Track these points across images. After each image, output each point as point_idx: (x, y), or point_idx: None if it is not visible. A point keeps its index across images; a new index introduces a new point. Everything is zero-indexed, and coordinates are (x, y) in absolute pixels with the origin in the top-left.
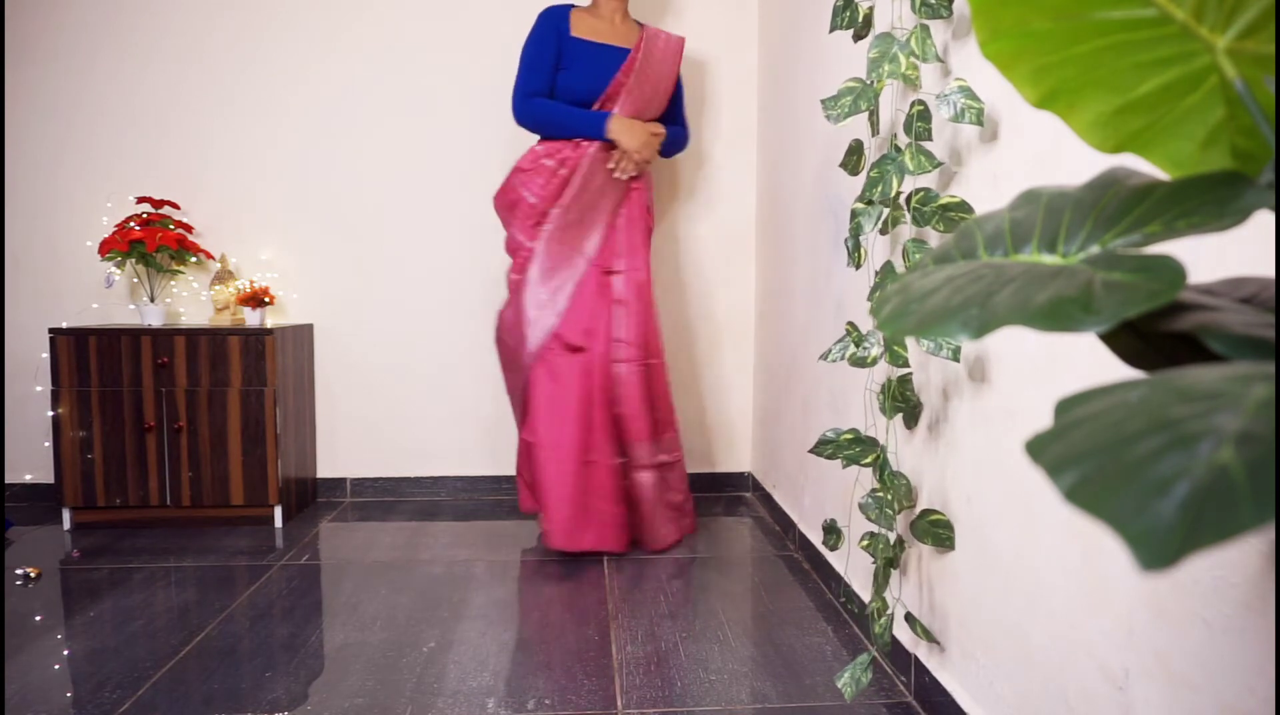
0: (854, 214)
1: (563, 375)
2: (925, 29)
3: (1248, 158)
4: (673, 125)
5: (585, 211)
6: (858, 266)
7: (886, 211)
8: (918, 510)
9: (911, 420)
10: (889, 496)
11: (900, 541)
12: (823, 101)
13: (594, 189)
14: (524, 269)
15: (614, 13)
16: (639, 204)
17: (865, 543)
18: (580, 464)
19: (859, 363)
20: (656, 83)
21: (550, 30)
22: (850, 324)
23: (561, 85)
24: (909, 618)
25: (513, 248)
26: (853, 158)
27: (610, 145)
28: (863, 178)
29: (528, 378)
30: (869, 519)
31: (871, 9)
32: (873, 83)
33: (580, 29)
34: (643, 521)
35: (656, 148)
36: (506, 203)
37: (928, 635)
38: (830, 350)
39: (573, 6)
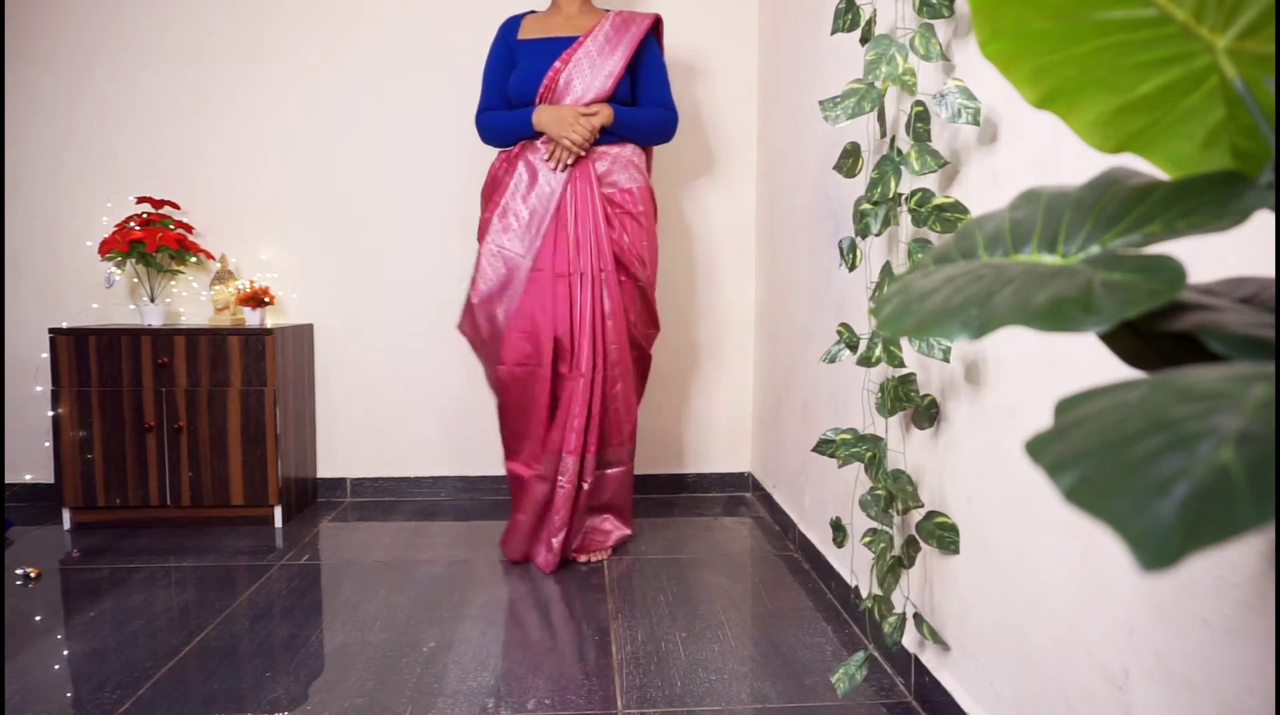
0: (862, 214)
1: (517, 389)
2: (929, 28)
3: (1248, 158)
4: (647, 107)
5: (532, 214)
6: (851, 268)
7: (885, 210)
8: (924, 511)
9: (926, 421)
10: (883, 494)
11: (913, 541)
12: (821, 103)
13: (539, 192)
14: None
15: (571, 4)
16: (591, 195)
17: (868, 540)
18: (530, 478)
19: (865, 362)
20: (599, 67)
21: (500, 41)
22: (843, 325)
23: (509, 90)
24: (917, 619)
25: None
26: (848, 160)
27: (549, 139)
28: (859, 179)
29: (496, 392)
30: (869, 516)
31: (874, 12)
32: (875, 83)
33: (529, 31)
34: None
35: (591, 127)
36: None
37: (934, 637)
38: (830, 351)
39: (529, 12)
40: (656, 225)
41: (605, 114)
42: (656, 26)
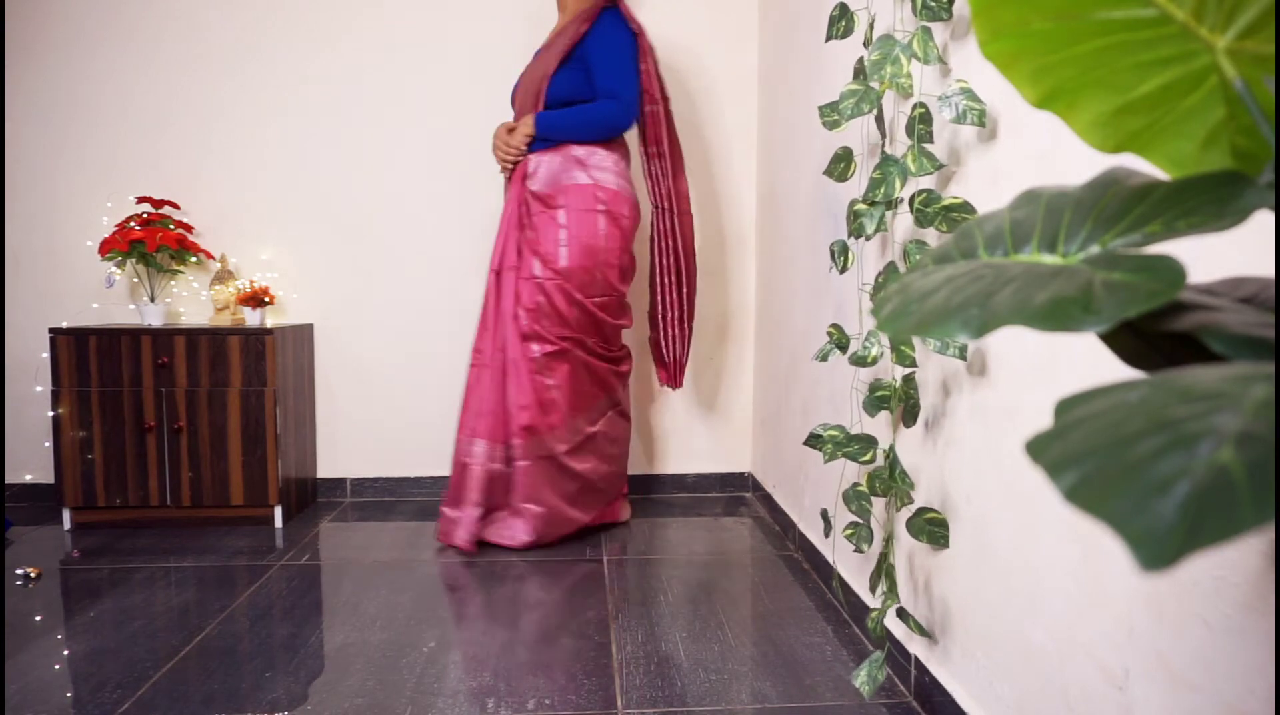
0: (856, 215)
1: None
2: (927, 31)
3: (1248, 158)
4: (593, 101)
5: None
6: (842, 271)
7: (883, 212)
8: (914, 507)
9: (910, 418)
10: (873, 490)
11: (892, 536)
12: (820, 108)
13: (508, 197)
14: None
15: (564, 4)
16: (518, 197)
17: (849, 532)
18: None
19: (860, 362)
20: (539, 69)
21: None
22: (833, 326)
23: None
24: (901, 612)
25: None
26: (839, 165)
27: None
28: (854, 182)
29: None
30: (850, 510)
31: (873, 18)
32: (875, 85)
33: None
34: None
35: (513, 145)
36: None
37: (920, 629)
38: (822, 350)
39: None
40: (601, 222)
41: (526, 127)
42: (618, 3)
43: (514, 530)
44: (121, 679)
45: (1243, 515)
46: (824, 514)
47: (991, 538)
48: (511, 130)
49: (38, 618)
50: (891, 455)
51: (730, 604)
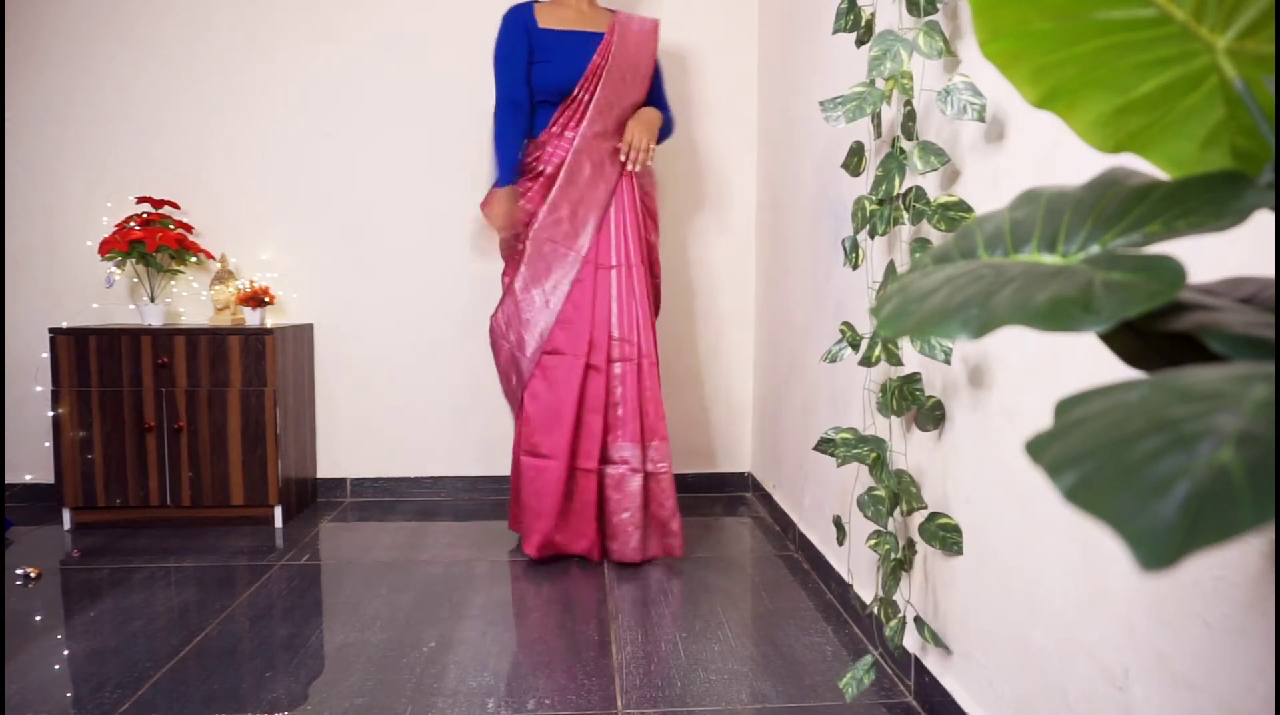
0: (869, 215)
1: (558, 379)
2: (934, 25)
3: (1248, 158)
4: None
5: (575, 206)
6: (855, 267)
7: (889, 209)
8: (926, 512)
9: (930, 422)
10: (885, 495)
11: (911, 544)
12: (821, 103)
13: (582, 183)
14: (516, 271)
15: (580, 0)
16: (632, 192)
17: (873, 542)
18: (569, 471)
19: (866, 362)
20: (634, 67)
21: (517, 27)
22: (845, 324)
23: (538, 79)
24: (918, 621)
25: (505, 250)
26: (854, 159)
27: (601, 134)
28: (863, 178)
29: (525, 383)
30: (866, 516)
31: (874, 13)
32: (874, 81)
33: (547, 20)
34: (618, 529)
35: (652, 138)
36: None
37: (936, 640)
38: (831, 351)
39: (535, 2)
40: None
41: (658, 119)
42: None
43: (650, 544)
44: (121, 679)
45: (1243, 515)
46: (837, 521)
47: (992, 539)
48: (648, 124)
49: (38, 618)
50: (884, 456)
51: (730, 604)
